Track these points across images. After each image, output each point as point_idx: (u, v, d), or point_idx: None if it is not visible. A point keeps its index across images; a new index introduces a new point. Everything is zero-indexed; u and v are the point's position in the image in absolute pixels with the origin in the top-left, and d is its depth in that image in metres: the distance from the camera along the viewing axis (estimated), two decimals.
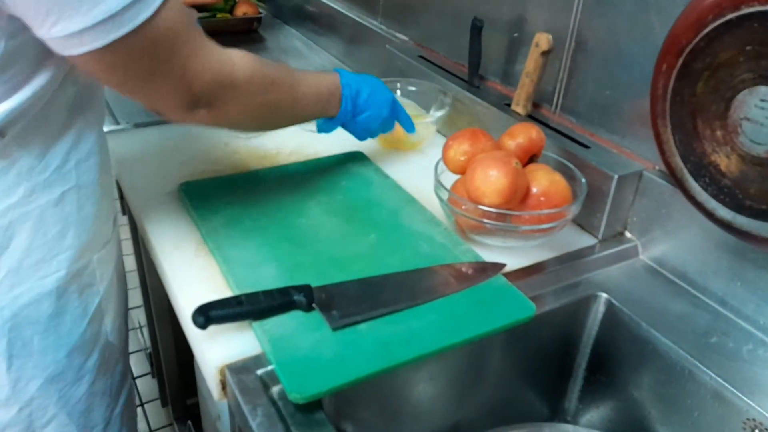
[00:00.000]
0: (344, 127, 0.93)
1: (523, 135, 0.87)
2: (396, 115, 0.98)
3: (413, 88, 1.22)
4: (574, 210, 0.81)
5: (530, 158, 0.89)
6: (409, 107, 1.16)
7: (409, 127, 1.02)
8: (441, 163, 0.89)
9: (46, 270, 0.71)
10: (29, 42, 0.57)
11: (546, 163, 0.89)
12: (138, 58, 0.59)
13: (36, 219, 0.68)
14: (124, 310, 0.89)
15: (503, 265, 0.79)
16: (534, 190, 0.81)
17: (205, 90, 0.65)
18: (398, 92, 1.23)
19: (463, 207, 0.81)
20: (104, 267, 0.80)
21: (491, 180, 0.78)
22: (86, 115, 0.71)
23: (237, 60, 0.69)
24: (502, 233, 0.83)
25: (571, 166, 0.88)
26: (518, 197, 0.80)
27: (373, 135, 0.97)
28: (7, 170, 0.64)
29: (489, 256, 0.81)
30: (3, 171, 0.64)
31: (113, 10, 0.53)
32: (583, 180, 0.85)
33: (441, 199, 0.85)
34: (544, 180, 0.82)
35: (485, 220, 0.79)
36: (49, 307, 0.72)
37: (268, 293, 0.68)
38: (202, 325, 0.65)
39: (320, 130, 0.91)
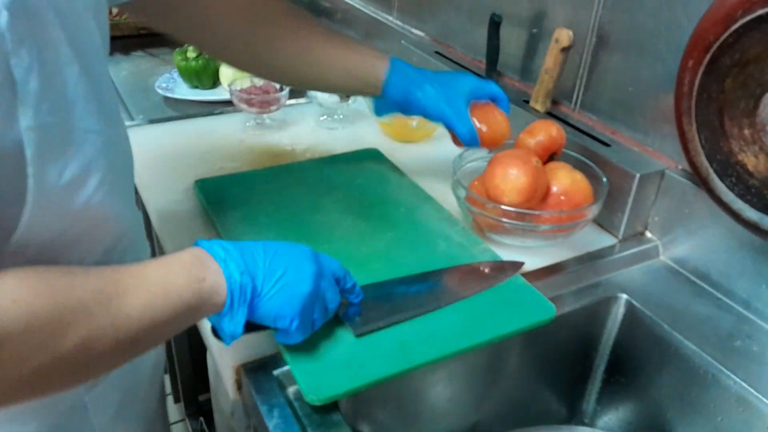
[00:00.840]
0: (253, 314, 0.57)
1: (543, 132, 0.86)
2: (330, 272, 0.63)
3: None
4: (594, 210, 0.80)
5: (550, 156, 0.87)
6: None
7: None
8: (458, 161, 0.88)
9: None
10: None
11: (566, 162, 0.87)
12: None
13: None
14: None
15: (521, 264, 0.78)
16: (554, 189, 0.80)
17: None
18: None
19: (486, 206, 0.80)
20: (108, 400, 0.67)
21: (511, 178, 0.77)
22: None
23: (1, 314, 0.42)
24: (521, 232, 0.81)
25: (592, 164, 0.86)
26: (538, 196, 0.79)
27: (303, 318, 0.59)
28: None
29: (507, 256, 0.80)
30: None
31: None
32: (604, 179, 0.84)
33: (458, 198, 0.84)
34: (565, 179, 0.81)
35: (504, 219, 0.78)
36: None
37: None
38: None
39: (228, 341, 0.57)
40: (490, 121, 0.84)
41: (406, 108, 0.85)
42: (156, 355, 0.80)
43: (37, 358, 0.43)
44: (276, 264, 0.57)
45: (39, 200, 0.46)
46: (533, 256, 0.82)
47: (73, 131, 0.49)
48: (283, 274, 0.57)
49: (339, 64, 0.82)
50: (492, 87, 0.86)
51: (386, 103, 0.85)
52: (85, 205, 0.51)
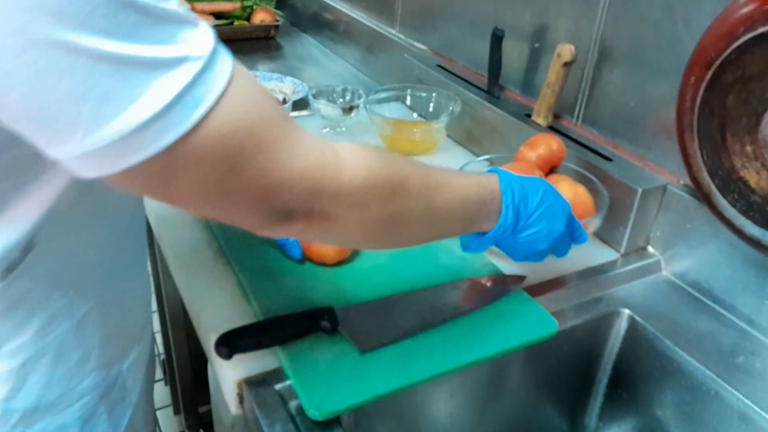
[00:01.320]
0: (498, 245, 0.69)
1: (543, 146, 0.87)
2: (572, 230, 0.72)
3: (424, 94, 1.23)
4: (596, 223, 0.80)
5: (551, 169, 0.89)
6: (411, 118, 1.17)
7: (581, 237, 0.74)
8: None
9: (68, 401, 0.61)
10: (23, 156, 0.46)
11: (567, 176, 0.88)
12: (185, 176, 0.43)
13: (55, 350, 0.58)
14: (151, 394, 0.82)
15: (523, 278, 0.78)
16: None
17: (295, 203, 0.48)
18: (408, 99, 1.24)
19: None
20: (137, 371, 0.71)
21: None
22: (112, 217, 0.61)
23: (346, 159, 0.51)
24: None
25: (593, 178, 0.87)
26: None
27: (538, 258, 0.71)
28: (16, 307, 0.54)
29: (508, 269, 0.80)
30: (10, 310, 0.54)
31: (117, 136, 0.38)
32: (605, 192, 0.84)
33: None
34: (567, 192, 0.81)
35: None
36: None
37: (292, 318, 0.66)
38: (228, 356, 0.62)
39: (466, 248, 0.69)
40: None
41: None
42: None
43: (370, 212, 0.53)
44: (539, 220, 0.67)
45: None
46: (535, 270, 0.82)
47: None
48: (539, 230, 0.67)
49: None
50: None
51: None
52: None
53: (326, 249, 0.76)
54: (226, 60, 0.43)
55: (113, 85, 0.37)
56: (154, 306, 1.32)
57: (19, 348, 0.56)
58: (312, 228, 0.51)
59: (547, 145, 0.87)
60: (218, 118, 0.41)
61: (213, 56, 0.41)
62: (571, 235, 0.72)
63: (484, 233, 0.66)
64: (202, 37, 0.41)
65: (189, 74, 0.39)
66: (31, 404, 0.58)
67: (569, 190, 0.82)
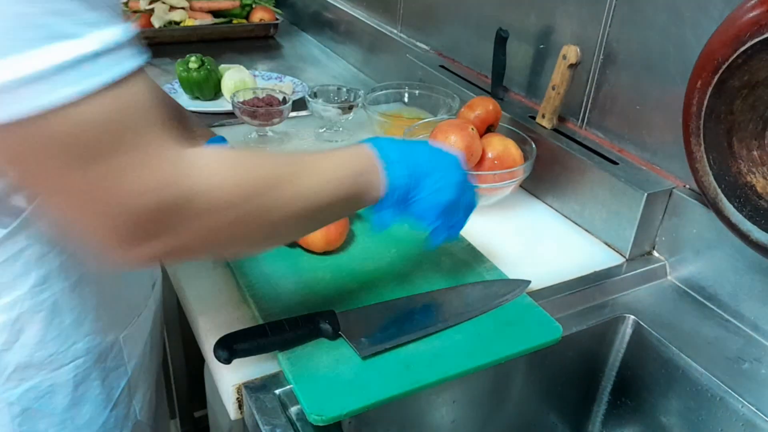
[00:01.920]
0: (404, 212, 0.67)
1: (481, 107, 0.99)
2: (467, 200, 0.71)
3: (422, 92, 1.24)
4: (526, 169, 0.93)
5: (488, 128, 1.00)
6: (414, 113, 1.20)
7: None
8: (407, 134, 1.01)
9: (61, 360, 0.64)
10: None
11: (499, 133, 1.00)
12: (39, 156, 0.43)
13: (49, 309, 0.61)
14: (157, 378, 0.84)
15: (528, 282, 0.79)
16: (489, 154, 0.94)
17: (149, 214, 0.46)
18: (406, 96, 1.26)
19: None
20: (134, 343, 0.73)
21: (450, 143, 0.90)
22: None
23: (204, 165, 0.50)
24: None
25: (522, 133, 0.99)
26: (474, 159, 0.93)
27: (452, 218, 0.69)
28: (13, 261, 0.58)
29: (512, 274, 0.81)
30: (7, 263, 0.58)
31: None
32: (533, 145, 0.96)
33: None
34: (498, 145, 0.95)
35: None
36: (64, 398, 0.66)
37: (293, 322, 0.67)
38: (227, 360, 0.62)
39: (375, 227, 0.66)
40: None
41: None
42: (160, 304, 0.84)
43: (234, 211, 0.52)
44: (435, 175, 0.66)
45: None
46: (540, 274, 0.83)
47: None
48: (437, 181, 0.66)
49: None
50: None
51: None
52: None
53: (314, 237, 0.79)
54: (127, 61, 0.44)
55: (9, 25, 0.39)
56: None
57: (15, 301, 0.59)
58: (165, 245, 0.49)
59: (484, 106, 0.99)
60: (89, 105, 0.42)
61: (112, 50, 0.43)
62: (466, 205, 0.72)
63: (377, 206, 0.64)
64: (114, 32, 0.43)
65: (77, 52, 0.41)
66: (25, 359, 0.61)
67: (500, 143, 0.95)
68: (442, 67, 1.26)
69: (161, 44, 1.68)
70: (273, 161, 0.58)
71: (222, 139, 0.91)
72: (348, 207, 0.65)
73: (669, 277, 0.87)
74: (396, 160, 0.63)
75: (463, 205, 0.70)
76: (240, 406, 0.65)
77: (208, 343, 0.70)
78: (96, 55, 0.42)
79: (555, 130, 1.00)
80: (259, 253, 0.66)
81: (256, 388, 0.64)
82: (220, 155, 0.53)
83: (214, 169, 0.51)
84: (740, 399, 0.69)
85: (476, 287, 0.77)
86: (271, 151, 0.61)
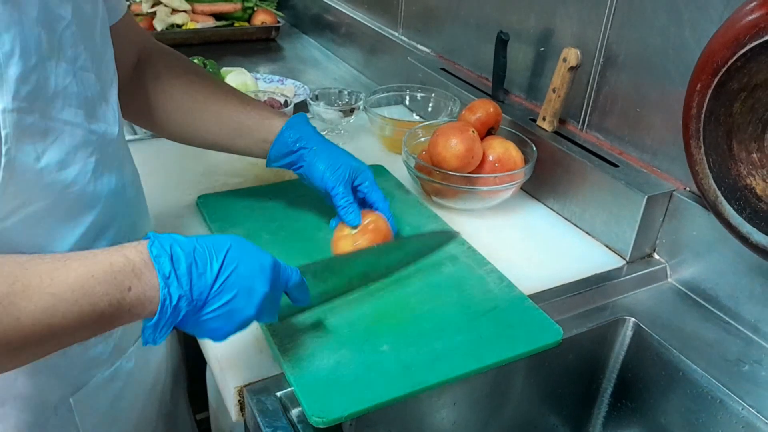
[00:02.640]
0: (184, 327, 0.55)
1: (481, 110, 1.00)
2: (283, 282, 0.61)
3: (423, 95, 1.25)
4: (527, 172, 0.94)
5: (488, 130, 1.00)
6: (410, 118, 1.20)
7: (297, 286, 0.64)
8: (408, 137, 1.02)
9: None
10: None
11: (500, 136, 1.01)
12: None
13: None
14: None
15: (456, 234, 0.86)
16: (490, 157, 0.95)
17: None
18: (407, 99, 1.27)
19: (433, 172, 0.93)
20: (92, 406, 0.67)
21: (451, 146, 0.91)
22: None
23: None
24: (462, 195, 0.94)
25: (524, 137, 1.00)
26: (475, 162, 0.93)
27: (238, 328, 0.57)
28: None
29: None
30: None
31: None
32: (534, 147, 0.97)
33: (409, 167, 0.97)
34: (499, 148, 0.95)
35: (446, 183, 0.92)
36: None
37: None
38: None
39: (145, 342, 0.54)
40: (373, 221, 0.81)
41: (295, 161, 0.83)
42: (156, 371, 0.81)
43: None
44: (227, 286, 0.54)
45: (11, 177, 0.50)
46: (540, 277, 0.83)
47: (52, 121, 0.53)
48: (232, 298, 0.54)
49: (234, 116, 0.82)
50: (369, 177, 0.85)
51: (278, 149, 0.83)
52: (62, 189, 0.55)
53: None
54: None
55: None
56: None
57: None
58: None
59: (485, 109, 0.99)
60: None
61: None
62: (285, 286, 0.62)
63: (151, 320, 0.52)
64: None
65: None
66: None
67: (500, 146, 0.95)
68: (443, 69, 1.26)
69: None
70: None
71: (300, 116, 0.85)
72: (99, 329, 0.51)
73: (669, 280, 0.87)
74: (171, 275, 0.51)
75: (268, 315, 0.60)
76: (241, 408, 0.66)
77: (209, 345, 0.70)
78: None
79: (555, 132, 1.01)
80: None
81: (257, 391, 0.64)
82: None
83: None
84: (740, 401, 0.69)
85: (411, 240, 0.85)
86: None
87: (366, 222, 0.79)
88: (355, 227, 0.79)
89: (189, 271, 0.52)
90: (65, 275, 0.48)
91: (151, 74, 0.80)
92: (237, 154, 0.85)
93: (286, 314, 0.70)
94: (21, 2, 0.49)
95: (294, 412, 0.62)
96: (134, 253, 0.51)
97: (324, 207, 0.93)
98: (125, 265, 0.50)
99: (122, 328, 0.65)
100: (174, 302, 0.51)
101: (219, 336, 0.56)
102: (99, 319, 0.49)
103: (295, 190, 0.98)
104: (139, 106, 0.81)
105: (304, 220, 0.90)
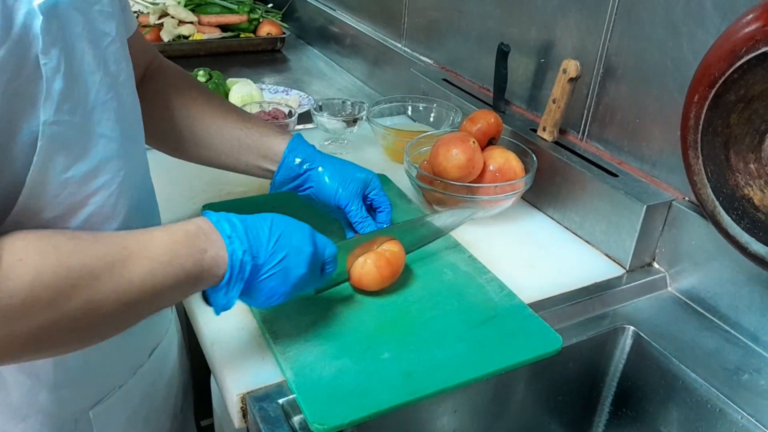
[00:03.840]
0: (246, 290, 0.61)
1: (482, 120, 1.00)
2: (319, 248, 0.67)
3: (425, 106, 1.25)
4: (527, 181, 0.95)
5: (489, 141, 1.01)
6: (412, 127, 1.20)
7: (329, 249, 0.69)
8: (410, 147, 1.01)
9: None
10: None
11: (501, 146, 1.01)
12: None
13: None
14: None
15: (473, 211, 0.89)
16: (491, 167, 0.95)
17: None
18: (410, 110, 1.28)
19: (434, 182, 0.93)
20: (111, 419, 0.68)
21: (452, 156, 0.91)
22: None
23: (7, 270, 0.46)
24: (463, 204, 0.94)
25: (524, 147, 1.00)
26: (476, 172, 0.94)
27: (295, 288, 0.64)
28: None
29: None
30: None
31: None
32: (534, 157, 0.97)
33: (411, 177, 0.97)
34: (499, 158, 0.96)
35: (448, 192, 0.93)
36: None
37: None
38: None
39: (216, 310, 0.61)
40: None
41: (301, 183, 0.85)
42: (168, 385, 0.81)
43: (43, 315, 0.47)
44: (279, 246, 0.61)
45: (36, 187, 0.50)
46: (540, 286, 0.83)
47: (89, 133, 0.54)
48: (285, 257, 0.61)
49: (238, 134, 0.82)
50: (377, 184, 0.87)
51: (283, 174, 0.84)
52: (84, 200, 0.55)
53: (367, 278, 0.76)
54: None
55: None
56: None
57: None
58: None
59: (486, 119, 1.00)
60: None
61: None
62: (323, 254, 0.67)
63: (217, 286, 0.58)
64: None
65: None
66: None
67: (501, 156, 0.96)
68: (445, 80, 1.27)
69: (170, 58, 1.67)
70: (88, 250, 0.50)
71: (299, 138, 0.85)
72: (188, 290, 0.57)
73: (669, 289, 0.87)
74: (232, 233, 0.58)
75: (312, 280, 0.66)
76: (244, 415, 0.66)
77: (213, 353, 0.70)
78: None
79: (555, 142, 1.01)
80: (86, 345, 0.55)
81: (260, 398, 0.65)
82: (34, 247, 0.48)
83: (24, 271, 0.46)
84: (739, 410, 0.69)
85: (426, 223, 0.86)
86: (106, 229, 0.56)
87: (382, 249, 0.77)
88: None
89: (246, 232, 0.59)
90: (155, 243, 0.54)
91: (153, 89, 0.80)
92: (236, 171, 0.85)
93: (322, 288, 0.74)
94: (68, 18, 0.50)
95: (296, 420, 0.63)
96: (200, 221, 0.59)
97: (326, 216, 0.94)
98: (198, 231, 0.57)
99: (138, 342, 0.71)
100: (240, 256, 0.58)
101: (278, 296, 0.62)
102: (187, 279, 0.55)
103: (297, 199, 0.98)
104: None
105: None
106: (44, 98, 0.48)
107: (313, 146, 0.85)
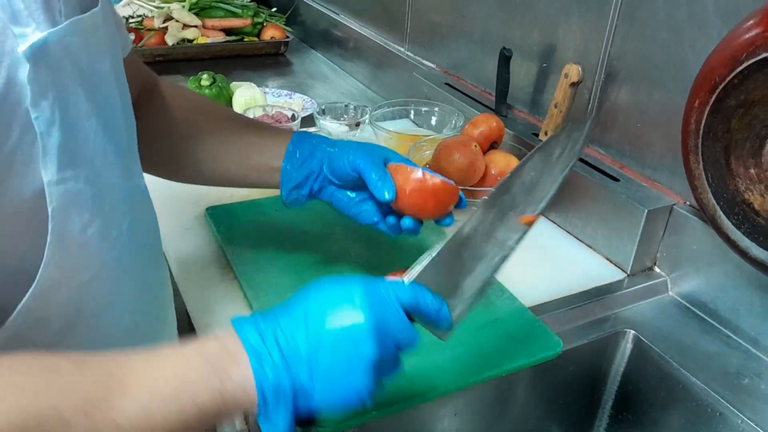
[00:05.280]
0: (300, 409, 0.45)
1: (484, 124, 1.01)
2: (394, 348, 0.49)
3: (427, 109, 1.26)
4: None
5: (491, 144, 1.02)
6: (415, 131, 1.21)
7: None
8: (413, 150, 1.02)
9: None
10: None
11: (503, 150, 1.01)
12: None
13: None
14: None
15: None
16: (492, 171, 0.96)
17: None
18: (412, 113, 1.28)
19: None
20: None
21: (454, 160, 0.92)
22: None
23: None
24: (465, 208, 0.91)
25: (527, 151, 0.94)
26: (478, 176, 0.94)
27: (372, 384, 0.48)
28: None
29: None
30: None
31: None
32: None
33: None
34: (501, 162, 0.97)
35: None
36: None
37: None
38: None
39: None
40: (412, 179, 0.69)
41: (314, 166, 0.72)
42: None
43: None
44: (322, 342, 0.45)
45: (57, 254, 0.45)
46: (541, 289, 0.83)
47: (94, 185, 0.48)
48: (334, 354, 0.45)
49: (246, 138, 0.75)
50: (398, 155, 0.74)
51: (294, 168, 0.73)
52: (101, 257, 0.50)
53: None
54: None
55: None
56: None
57: None
58: None
59: (488, 123, 1.00)
60: None
61: None
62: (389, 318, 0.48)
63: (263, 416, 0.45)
64: None
65: None
66: None
67: (503, 160, 0.97)
68: (448, 84, 1.27)
69: (174, 61, 1.71)
70: (67, 382, 0.39)
71: (304, 135, 0.76)
72: (204, 425, 0.43)
73: (670, 293, 0.87)
74: (260, 347, 0.44)
75: (390, 353, 0.49)
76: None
77: None
78: None
79: None
80: None
81: None
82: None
83: None
84: (740, 414, 0.69)
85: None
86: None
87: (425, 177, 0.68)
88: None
89: (276, 340, 0.45)
90: (161, 366, 0.42)
91: (149, 111, 0.73)
92: (244, 182, 0.77)
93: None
94: (58, 60, 0.44)
95: None
96: (224, 333, 0.45)
97: (328, 218, 0.94)
98: (220, 349, 0.44)
99: None
100: (270, 377, 0.43)
101: (354, 397, 0.46)
102: (200, 416, 0.42)
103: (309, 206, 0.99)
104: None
105: (310, 232, 0.90)
106: (42, 156, 0.42)
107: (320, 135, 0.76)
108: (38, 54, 0.42)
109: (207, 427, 0.45)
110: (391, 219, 0.73)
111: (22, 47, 0.40)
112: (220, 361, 0.43)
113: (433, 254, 0.53)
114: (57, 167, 0.44)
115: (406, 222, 0.70)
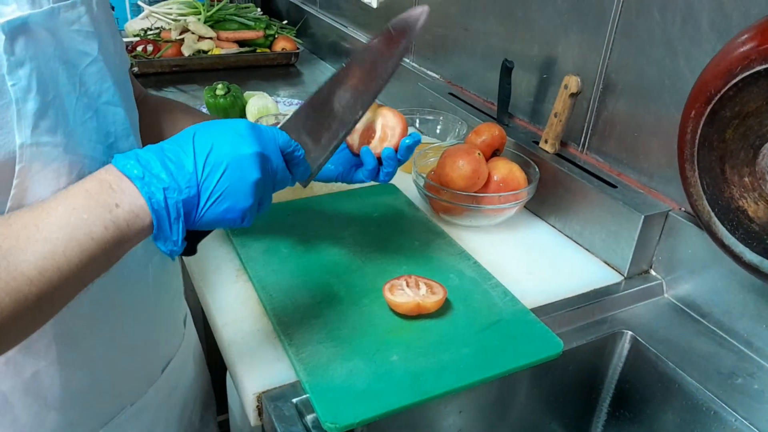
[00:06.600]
0: (198, 224, 0.51)
1: (487, 133, 1.00)
2: (273, 146, 0.54)
3: (431, 118, 1.26)
4: (530, 191, 0.95)
5: (494, 152, 1.01)
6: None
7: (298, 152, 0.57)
8: (418, 158, 1.01)
9: None
10: None
11: (505, 157, 1.00)
12: None
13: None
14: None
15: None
16: (495, 177, 0.95)
17: None
18: (417, 122, 1.27)
19: (441, 191, 0.93)
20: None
21: (458, 167, 0.91)
22: None
23: None
24: (469, 213, 0.95)
25: (527, 158, 1.00)
26: (481, 182, 0.94)
27: (254, 206, 0.52)
28: None
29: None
30: None
31: None
32: (536, 168, 0.97)
33: (419, 186, 0.98)
34: (503, 169, 0.96)
35: (454, 201, 0.93)
36: None
37: None
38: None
39: (171, 256, 0.50)
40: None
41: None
42: (184, 398, 0.79)
43: None
44: (213, 162, 0.49)
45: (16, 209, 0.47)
46: (542, 292, 0.83)
47: (73, 155, 0.50)
48: (225, 171, 0.49)
49: None
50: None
51: None
52: None
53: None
54: None
55: None
56: None
57: None
58: None
59: (490, 132, 1.00)
60: None
61: None
62: (270, 149, 0.53)
63: (157, 237, 0.49)
64: None
65: None
66: None
67: (505, 167, 0.96)
68: (451, 94, 1.27)
69: (190, 72, 1.71)
70: None
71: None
72: (111, 256, 0.47)
73: (665, 295, 0.87)
74: (144, 172, 0.47)
75: (270, 182, 0.53)
76: (260, 414, 0.66)
77: (231, 354, 0.70)
78: None
79: (557, 154, 1.01)
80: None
81: (274, 397, 0.65)
82: None
83: None
84: (733, 413, 0.68)
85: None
86: None
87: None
88: None
89: (165, 166, 0.48)
90: (48, 217, 0.44)
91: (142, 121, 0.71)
92: None
93: (308, 177, 0.61)
94: (37, 39, 0.47)
95: (309, 418, 0.62)
96: (104, 173, 0.48)
97: (338, 223, 0.94)
98: (101, 186, 0.46)
99: (148, 358, 0.68)
100: (161, 197, 0.47)
101: (239, 213, 0.51)
102: (104, 246, 0.45)
103: (311, 208, 0.99)
104: None
105: (320, 236, 0.90)
106: (17, 120, 0.45)
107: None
108: (16, 28, 0.45)
109: (119, 256, 0.48)
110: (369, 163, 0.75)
111: (1, 21, 0.44)
112: (103, 195, 0.46)
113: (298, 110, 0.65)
114: (31, 131, 0.46)
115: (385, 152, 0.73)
